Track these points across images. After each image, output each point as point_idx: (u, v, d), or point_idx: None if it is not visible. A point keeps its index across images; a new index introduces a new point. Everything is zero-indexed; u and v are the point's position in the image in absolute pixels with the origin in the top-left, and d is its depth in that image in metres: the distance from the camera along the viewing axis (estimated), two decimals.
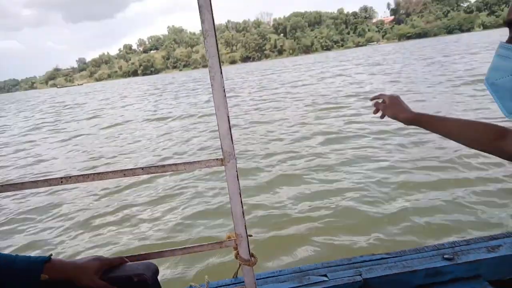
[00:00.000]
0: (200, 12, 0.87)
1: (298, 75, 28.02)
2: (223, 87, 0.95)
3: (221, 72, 0.93)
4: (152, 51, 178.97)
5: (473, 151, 4.85)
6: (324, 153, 6.43)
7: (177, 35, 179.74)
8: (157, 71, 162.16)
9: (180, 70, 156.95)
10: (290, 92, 16.93)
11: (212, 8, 0.87)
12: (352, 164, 5.64)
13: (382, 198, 4.26)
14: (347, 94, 13.51)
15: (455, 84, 12.20)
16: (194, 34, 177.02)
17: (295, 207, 4.35)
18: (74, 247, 4.14)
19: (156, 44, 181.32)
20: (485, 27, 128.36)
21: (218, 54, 0.90)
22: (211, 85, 0.94)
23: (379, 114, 1.26)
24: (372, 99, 1.31)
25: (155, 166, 1.08)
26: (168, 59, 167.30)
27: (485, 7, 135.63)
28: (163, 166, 1.08)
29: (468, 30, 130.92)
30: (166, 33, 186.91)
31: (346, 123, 8.70)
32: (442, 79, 13.96)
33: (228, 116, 1.00)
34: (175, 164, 1.08)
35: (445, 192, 4.20)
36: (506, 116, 0.68)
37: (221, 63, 0.95)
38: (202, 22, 0.87)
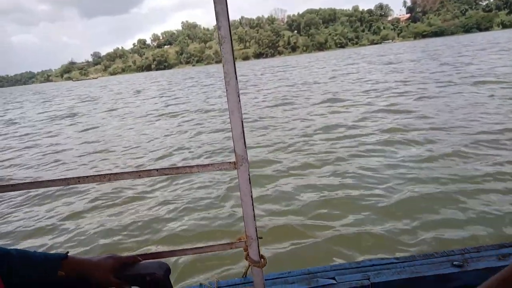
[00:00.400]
0: (217, 19, 0.89)
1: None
2: (238, 92, 0.97)
3: (236, 78, 0.94)
4: (166, 46, 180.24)
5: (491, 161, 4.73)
6: (334, 151, 6.41)
7: (190, 31, 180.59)
8: (170, 66, 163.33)
9: (193, 65, 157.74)
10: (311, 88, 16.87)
11: (229, 15, 0.88)
12: (363, 167, 5.60)
13: (394, 206, 4.23)
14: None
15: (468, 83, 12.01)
16: (207, 29, 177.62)
17: (305, 210, 4.35)
18: (89, 240, 4.23)
19: (170, 39, 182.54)
20: (504, 26, 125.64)
21: (234, 60, 0.92)
22: (226, 89, 0.96)
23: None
24: None
25: (169, 168, 1.11)
26: (181, 54, 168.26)
27: (505, 5, 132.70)
28: (177, 168, 1.11)
29: (487, 29, 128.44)
30: (180, 28, 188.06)
31: (362, 126, 8.64)
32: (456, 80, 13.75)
33: (242, 121, 1.02)
34: (189, 167, 1.11)
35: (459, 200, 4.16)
36: None
37: (235, 59, 0.97)
38: (219, 28, 0.89)
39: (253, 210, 1.14)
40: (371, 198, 4.38)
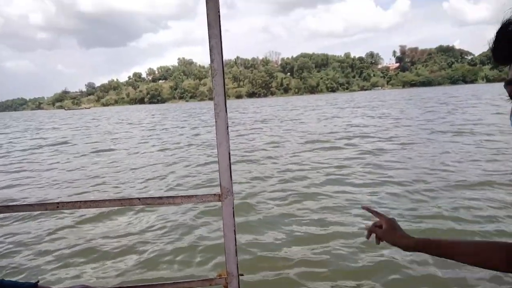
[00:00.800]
0: (210, 52, 0.91)
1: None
2: (227, 124, 0.97)
3: (226, 111, 0.95)
4: (160, 81, 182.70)
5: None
6: (322, 192, 6.40)
7: (186, 67, 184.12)
8: (163, 100, 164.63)
9: (187, 101, 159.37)
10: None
11: (222, 49, 0.91)
12: (347, 206, 5.59)
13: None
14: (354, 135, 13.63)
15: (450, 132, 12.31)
16: (203, 67, 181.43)
17: (289, 248, 4.28)
18: (61, 273, 4.05)
19: (165, 74, 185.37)
20: (488, 80, 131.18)
21: (225, 93, 0.93)
22: (215, 121, 0.97)
23: (372, 237, 1.16)
24: (364, 208, 1.25)
25: (152, 198, 1.09)
26: (175, 89, 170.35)
27: (489, 61, 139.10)
28: (160, 198, 1.09)
29: (472, 81, 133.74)
30: (176, 64, 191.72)
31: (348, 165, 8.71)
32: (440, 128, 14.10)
33: (229, 153, 1.02)
34: (173, 197, 1.09)
35: None
36: None
37: (227, 97, 0.98)
38: (212, 61, 0.92)
39: (236, 245, 1.12)
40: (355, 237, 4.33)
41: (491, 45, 0.69)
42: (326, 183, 7.16)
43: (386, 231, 1.10)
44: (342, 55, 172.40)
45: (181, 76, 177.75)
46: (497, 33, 0.68)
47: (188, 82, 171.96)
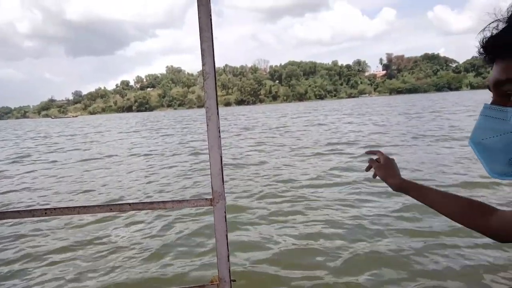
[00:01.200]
0: (202, 55, 0.91)
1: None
2: (219, 128, 0.97)
3: (218, 114, 0.95)
4: (148, 89, 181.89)
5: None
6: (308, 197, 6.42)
7: (174, 75, 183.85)
8: (151, 108, 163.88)
9: (175, 108, 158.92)
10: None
11: (214, 52, 0.91)
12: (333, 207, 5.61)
13: (368, 244, 4.20)
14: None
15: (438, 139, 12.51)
16: (192, 75, 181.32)
17: (280, 253, 4.26)
18: (41, 277, 3.96)
19: (153, 82, 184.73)
20: (472, 87, 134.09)
21: (216, 96, 0.93)
22: (207, 125, 0.96)
23: (371, 172, 1.25)
24: (367, 153, 1.31)
25: (142, 202, 1.07)
26: (164, 97, 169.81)
27: (473, 68, 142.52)
28: (151, 203, 1.07)
29: (456, 88, 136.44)
30: (164, 72, 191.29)
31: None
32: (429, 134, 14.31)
33: (221, 157, 1.01)
34: (163, 202, 1.07)
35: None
36: (490, 175, 0.71)
37: (217, 96, 0.98)
38: (203, 64, 0.91)
39: (228, 250, 1.10)
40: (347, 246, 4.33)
41: (492, 32, 0.66)
42: (315, 186, 7.19)
43: (381, 166, 1.16)
44: (330, 63, 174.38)
45: (170, 84, 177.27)
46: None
47: (177, 90, 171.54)
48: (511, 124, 0.64)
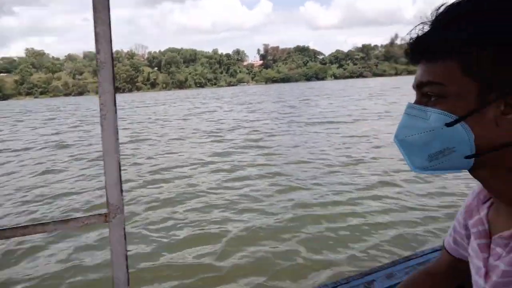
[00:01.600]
0: (96, 41, 0.70)
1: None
2: (116, 129, 0.78)
3: (116, 111, 0.76)
4: (2, 74, 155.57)
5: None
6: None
7: (36, 59, 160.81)
8: (6, 97, 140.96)
9: (36, 97, 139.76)
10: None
11: (112, 37, 0.71)
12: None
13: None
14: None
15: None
16: (58, 59, 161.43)
17: (172, 254, 4.09)
18: None
19: (9, 66, 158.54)
20: (335, 77, 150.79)
21: (114, 91, 0.73)
22: (101, 125, 0.76)
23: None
24: None
25: (11, 228, 0.82)
26: (22, 84, 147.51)
27: (336, 60, 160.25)
28: (25, 227, 0.82)
29: (323, 78, 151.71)
30: (23, 55, 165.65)
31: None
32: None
33: (119, 163, 0.82)
34: (42, 224, 0.84)
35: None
36: (412, 170, 0.74)
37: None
38: (98, 52, 0.71)
39: (128, 275, 0.92)
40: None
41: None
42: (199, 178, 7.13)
43: None
44: (210, 51, 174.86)
45: (29, 69, 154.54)
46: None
47: (38, 76, 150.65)
48: (430, 123, 0.67)
